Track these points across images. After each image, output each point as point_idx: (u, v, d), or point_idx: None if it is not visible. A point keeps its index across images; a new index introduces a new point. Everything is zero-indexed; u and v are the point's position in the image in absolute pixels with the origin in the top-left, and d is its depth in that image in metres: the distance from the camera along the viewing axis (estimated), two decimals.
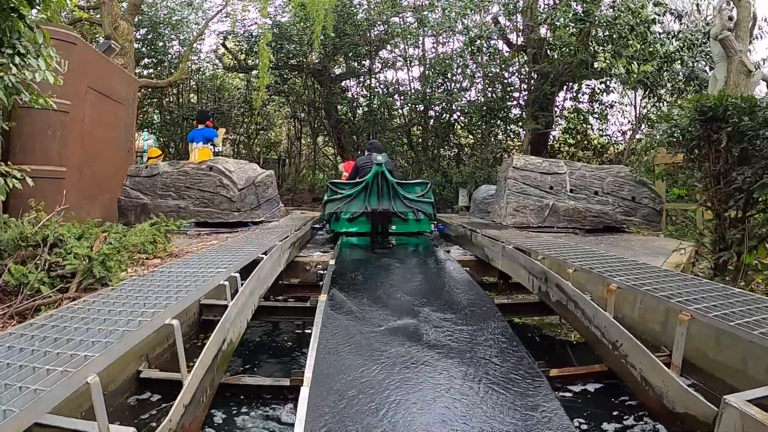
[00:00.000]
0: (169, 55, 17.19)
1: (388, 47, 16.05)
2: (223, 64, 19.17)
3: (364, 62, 16.66)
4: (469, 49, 11.18)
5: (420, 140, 14.01)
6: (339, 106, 17.03)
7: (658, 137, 6.01)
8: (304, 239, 6.76)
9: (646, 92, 10.79)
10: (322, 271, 5.18)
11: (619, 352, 3.16)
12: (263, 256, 4.16)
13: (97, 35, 14.49)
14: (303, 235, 6.66)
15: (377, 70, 16.55)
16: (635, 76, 10.80)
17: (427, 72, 12.45)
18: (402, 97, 14.51)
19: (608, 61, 11.07)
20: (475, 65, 11.25)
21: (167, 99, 19.63)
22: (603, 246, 5.62)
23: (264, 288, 4.08)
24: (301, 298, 5.06)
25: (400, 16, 15.27)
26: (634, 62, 10.86)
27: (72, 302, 2.59)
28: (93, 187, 7.79)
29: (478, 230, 6.15)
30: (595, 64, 11.27)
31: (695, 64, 10.58)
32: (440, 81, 12.07)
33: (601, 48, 10.60)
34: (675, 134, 4.47)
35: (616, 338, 3.18)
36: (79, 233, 3.84)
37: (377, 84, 16.41)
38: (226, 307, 3.10)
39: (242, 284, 3.42)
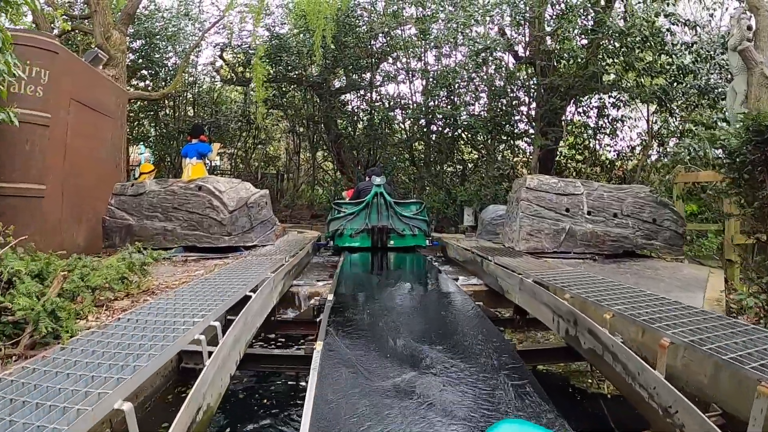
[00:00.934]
0: (166, 67, 16.77)
1: (390, 60, 15.66)
2: (220, 77, 18.78)
3: (364, 75, 16.26)
4: (474, 61, 10.73)
5: (422, 156, 13.53)
6: (339, 121, 16.59)
7: (685, 155, 5.51)
8: (300, 266, 6.25)
9: (659, 106, 10.34)
10: (319, 304, 4.67)
11: (673, 421, 2.63)
12: (251, 294, 3.64)
13: (92, 45, 14.11)
14: (299, 262, 6.14)
15: (378, 83, 16.14)
16: (647, 89, 10.36)
17: (430, 85, 12.01)
18: (404, 111, 14.06)
19: (619, 74, 10.66)
20: (479, 78, 10.79)
21: (163, 112, 19.22)
22: (628, 276, 5.10)
23: (251, 332, 3.56)
24: (295, 338, 4.52)
25: (402, 28, 14.91)
26: (646, 75, 10.45)
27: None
28: (77, 206, 7.27)
29: (490, 257, 5.63)
30: (605, 77, 10.87)
31: (710, 77, 10.13)
32: (443, 94, 11.62)
33: (611, 60, 10.17)
34: (712, 154, 3.98)
35: (669, 403, 2.65)
36: (38, 269, 3.32)
37: (378, 98, 16.00)
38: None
39: (224, 335, 2.89)
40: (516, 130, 11.29)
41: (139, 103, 18.69)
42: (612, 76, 11.44)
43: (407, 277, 6.04)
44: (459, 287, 5.28)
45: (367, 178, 8.18)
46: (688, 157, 5.58)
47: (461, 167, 11.85)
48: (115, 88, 9.24)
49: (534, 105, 11.32)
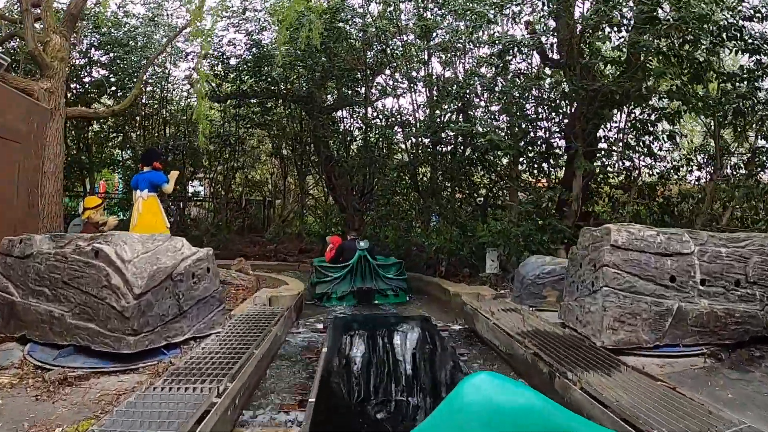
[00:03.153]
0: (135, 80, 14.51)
1: (387, 72, 13.47)
2: (195, 92, 16.57)
3: (358, 89, 14.09)
4: (495, 64, 8.52)
5: (428, 182, 11.26)
6: (330, 141, 14.38)
7: None
8: (259, 371, 3.92)
9: (734, 119, 8.13)
10: None
11: None
12: None
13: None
14: (256, 368, 3.82)
15: (374, 98, 13.94)
16: (715, 98, 8.16)
17: (437, 96, 9.76)
18: (405, 129, 11.81)
19: (680, 80, 8.44)
20: (502, 86, 8.54)
21: (136, 133, 17.01)
22: None
23: None
24: None
25: (400, 36, 12.81)
26: (716, 80, 8.26)
27: None
28: None
29: (570, 375, 3.31)
30: (655, 83, 8.67)
31: None
32: (455, 106, 9.36)
33: (665, 62, 7.97)
34: None
35: None
36: None
37: (374, 114, 13.79)
38: None
39: None
40: (555, 150, 8.97)
41: (106, 122, 16.56)
42: (657, 81, 9.19)
43: (420, 380, 3.78)
44: None
45: (348, 237, 8.98)
46: None
47: (484, 198, 9.46)
48: (26, 104, 6.99)
49: (561, 119, 9.08)
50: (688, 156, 11.05)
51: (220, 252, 14.43)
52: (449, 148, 10.30)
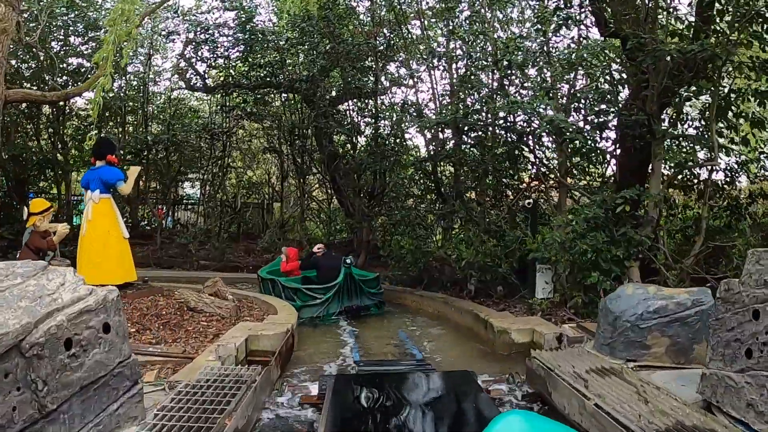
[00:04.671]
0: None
1: (402, 55, 11.51)
2: (184, 83, 14.70)
3: (366, 79, 12.15)
4: (543, 28, 6.55)
5: (452, 180, 9.29)
6: (334, 135, 12.45)
7: None
8: None
9: None
10: None
11: None
12: None
13: None
14: None
15: (385, 88, 11.98)
16: None
17: (469, 72, 7.75)
18: (422, 119, 9.84)
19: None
20: (559, 54, 6.54)
21: (118, 129, 15.18)
22: None
23: None
24: None
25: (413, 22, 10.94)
26: None
27: None
28: None
29: None
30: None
31: None
32: (494, 78, 7.34)
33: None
34: None
35: None
36: None
37: (385, 106, 11.85)
38: None
39: None
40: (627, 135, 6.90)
41: (87, 118, 14.73)
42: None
43: None
44: None
45: (322, 253, 8.63)
46: None
47: (534, 201, 7.37)
48: None
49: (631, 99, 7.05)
50: (762, 149, 9.03)
51: (210, 263, 12.65)
52: (478, 138, 8.30)
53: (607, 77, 6.83)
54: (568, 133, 5.86)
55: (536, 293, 6.31)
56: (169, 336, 5.58)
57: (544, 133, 6.41)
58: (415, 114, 9.64)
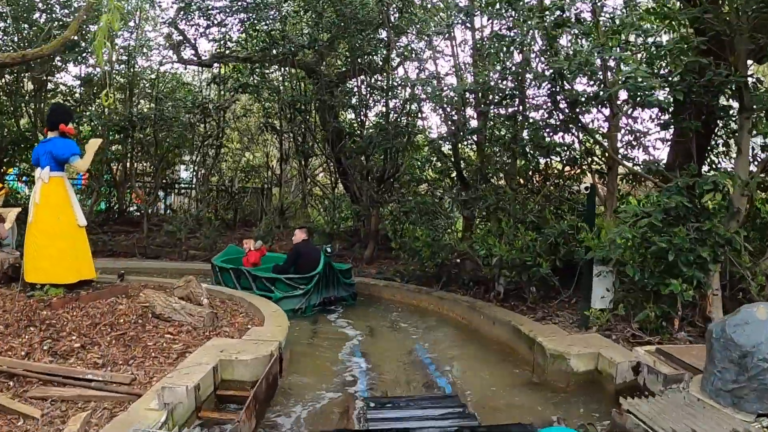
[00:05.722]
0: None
1: (417, 26, 10.07)
2: (177, 56, 13.32)
3: (376, 53, 10.77)
4: None
5: (476, 163, 7.92)
6: (339, 110, 11.08)
7: None
8: None
9: None
10: None
11: None
12: None
13: None
14: None
15: (401, 56, 10.56)
16: None
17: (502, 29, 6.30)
18: (441, 93, 8.44)
19: None
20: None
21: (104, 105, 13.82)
22: None
23: None
24: None
25: None
26: None
27: None
28: None
29: None
30: None
31: None
32: (525, 48, 5.94)
33: None
34: None
35: None
36: None
37: (398, 80, 10.45)
38: None
39: None
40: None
41: (72, 95, 13.44)
42: None
43: None
44: None
45: (302, 240, 7.92)
46: None
47: (590, 185, 5.96)
48: None
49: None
50: None
51: (200, 253, 11.40)
52: (512, 111, 6.91)
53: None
54: (644, 95, 4.46)
55: (592, 302, 4.95)
56: (122, 355, 4.31)
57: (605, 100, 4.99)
58: (434, 83, 8.22)
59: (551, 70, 5.11)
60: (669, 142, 6.73)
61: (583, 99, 4.93)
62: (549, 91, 5.15)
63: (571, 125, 5.46)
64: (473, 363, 4.94)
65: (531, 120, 6.14)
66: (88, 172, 10.97)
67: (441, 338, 5.84)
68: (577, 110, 5.25)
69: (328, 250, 7.43)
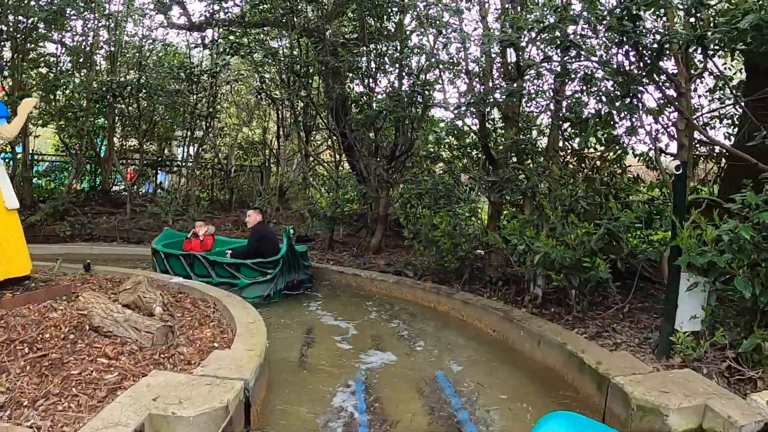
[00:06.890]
0: None
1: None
2: (166, 20, 11.94)
3: (389, 20, 9.36)
4: None
5: (509, 138, 6.53)
6: (347, 81, 9.68)
7: None
8: None
9: None
10: None
11: None
12: None
13: None
14: None
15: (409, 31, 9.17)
16: None
17: None
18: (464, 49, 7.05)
19: None
20: None
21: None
22: None
23: None
24: None
25: None
26: None
27: None
28: None
29: None
30: None
31: None
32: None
33: None
34: None
35: None
36: None
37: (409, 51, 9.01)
38: None
39: None
40: None
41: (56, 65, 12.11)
42: None
43: None
44: None
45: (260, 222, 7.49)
46: None
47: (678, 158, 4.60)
48: None
49: None
50: None
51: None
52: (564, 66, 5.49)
53: None
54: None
55: (677, 323, 3.63)
56: (33, 390, 3.09)
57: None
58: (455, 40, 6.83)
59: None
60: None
61: (675, 41, 3.54)
62: (622, 34, 3.75)
63: (654, 74, 4.06)
64: (515, 400, 3.64)
65: (595, 75, 4.72)
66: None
67: (470, 362, 4.53)
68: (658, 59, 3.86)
69: (292, 231, 7.12)
